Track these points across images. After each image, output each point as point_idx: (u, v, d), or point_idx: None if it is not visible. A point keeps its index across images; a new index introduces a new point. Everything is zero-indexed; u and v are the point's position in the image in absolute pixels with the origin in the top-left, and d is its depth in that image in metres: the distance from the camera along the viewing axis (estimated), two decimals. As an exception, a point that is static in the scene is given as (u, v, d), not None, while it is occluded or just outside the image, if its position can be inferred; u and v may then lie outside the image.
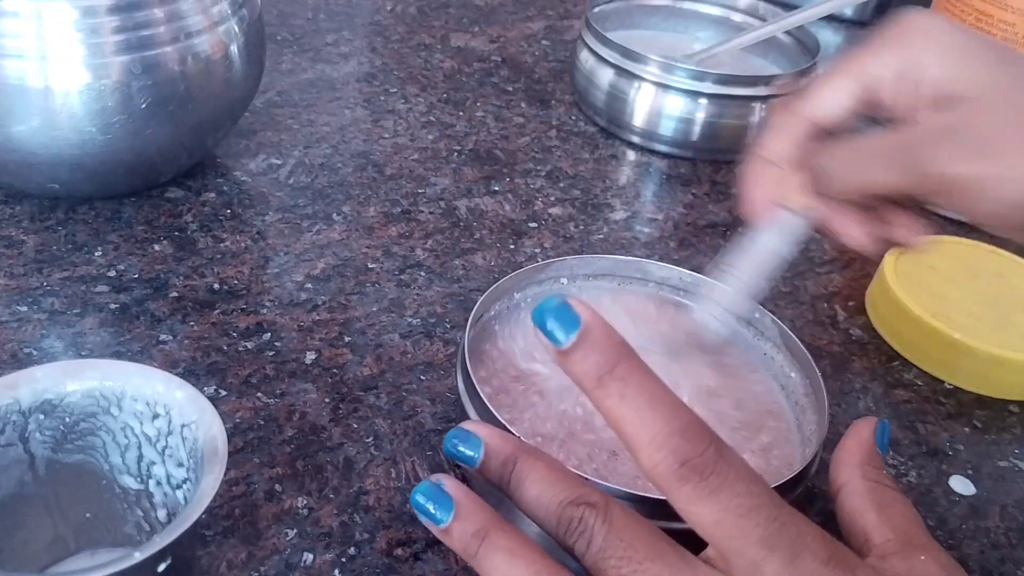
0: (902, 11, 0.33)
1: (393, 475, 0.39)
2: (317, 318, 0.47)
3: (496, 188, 0.61)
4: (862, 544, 0.29)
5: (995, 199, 0.29)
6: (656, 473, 0.26)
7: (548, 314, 0.26)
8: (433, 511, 0.28)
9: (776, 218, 0.35)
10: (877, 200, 0.34)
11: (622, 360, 0.26)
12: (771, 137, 0.36)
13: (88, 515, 0.33)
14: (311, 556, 0.36)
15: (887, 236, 0.35)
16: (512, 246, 0.55)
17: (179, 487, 0.32)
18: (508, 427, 0.34)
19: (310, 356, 0.45)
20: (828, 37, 0.96)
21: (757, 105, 0.66)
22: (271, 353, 0.45)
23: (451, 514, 0.27)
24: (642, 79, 0.65)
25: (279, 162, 0.60)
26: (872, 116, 0.35)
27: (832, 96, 0.34)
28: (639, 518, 0.27)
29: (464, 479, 0.38)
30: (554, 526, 0.28)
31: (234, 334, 0.46)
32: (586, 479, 0.29)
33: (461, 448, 0.30)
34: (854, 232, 0.35)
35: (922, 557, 0.28)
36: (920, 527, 0.30)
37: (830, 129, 0.35)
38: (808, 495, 0.36)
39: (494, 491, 0.30)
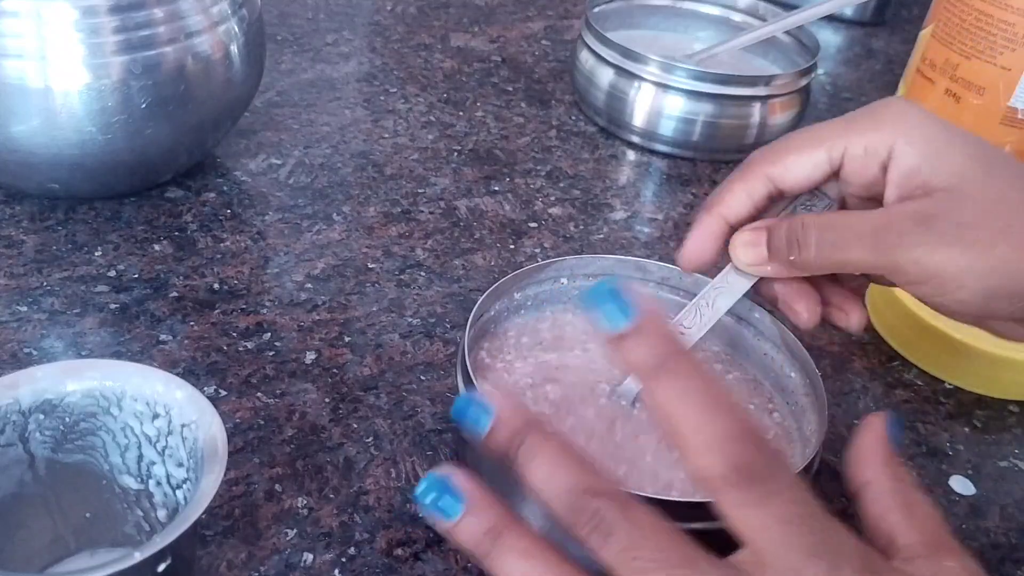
0: (882, 100, 0.34)
1: (393, 475, 0.39)
2: (317, 318, 0.47)
3: (496, 188, 0.61)
4: (886, 545, 0.29)
5: (966, 286, 0.30)
6: (706, 475, 0.25)
7: (602, 298, 0.26)
8: (441, 505, 0.26)
9: (725, 277, 0.36)
10: (845, 276, 0.35)
11: (677, 354, 0.26)
12: (730, 194, 0.35)
13: (88, 515, 0.33)
14: (311, 556, 0.36)
15: (826, 317, 0.36)
16: (512, 246, 0.55)
17: (179, 487, 0.32)
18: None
19: (310, 356, 0.45)
20: (828, 37, 0.96)
21: (757, 105, 0.66)
22: (271, 353, 0.45)
23: (461, 509, 0.26)
24: (642, 79, 0.65)
25: (279, 162, 0.60)
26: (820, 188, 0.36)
27: (804, 165, 0.34)
28: (661, 517, 0.26)
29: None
30: (564, 512, 0.26)
31: (234, 334, 0.46)
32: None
33: (471, 411, 0.28)
34: (799, 307, 0.35)
35: (948, 563, 0.28)
36: (945, 530, 0.29)
37: (789, 196, 0.36)
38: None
39: (498, 485, 0.29)
